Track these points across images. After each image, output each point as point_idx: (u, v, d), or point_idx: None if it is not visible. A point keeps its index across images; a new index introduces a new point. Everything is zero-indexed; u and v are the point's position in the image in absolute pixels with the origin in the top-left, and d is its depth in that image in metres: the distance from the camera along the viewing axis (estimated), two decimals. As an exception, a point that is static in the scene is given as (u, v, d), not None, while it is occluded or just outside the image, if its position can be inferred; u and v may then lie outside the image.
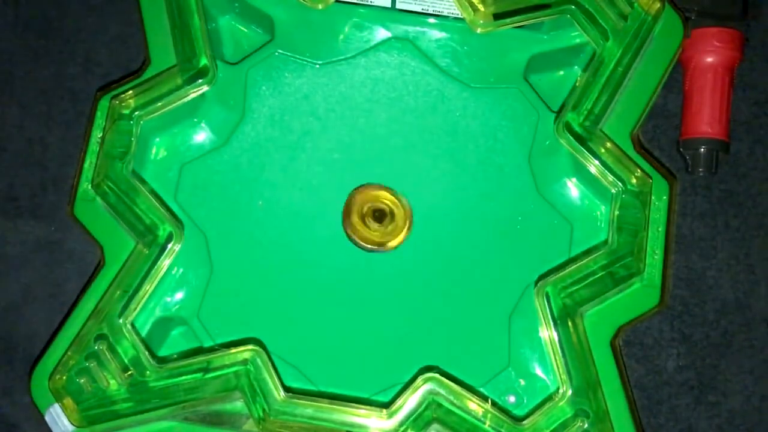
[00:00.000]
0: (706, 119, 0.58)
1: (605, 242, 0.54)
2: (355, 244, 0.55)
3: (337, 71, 0.58)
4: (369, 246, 0.55)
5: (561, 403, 0.51)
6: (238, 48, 0.60)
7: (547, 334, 0.52)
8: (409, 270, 0.55)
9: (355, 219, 0.55)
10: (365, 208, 0.55)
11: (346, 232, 0.55)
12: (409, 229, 0.55)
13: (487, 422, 0.50)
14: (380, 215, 0.55)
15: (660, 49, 0.56)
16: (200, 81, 0.55)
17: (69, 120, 0.61)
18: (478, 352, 0.54)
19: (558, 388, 0.51)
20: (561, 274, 0.52)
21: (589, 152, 0.53)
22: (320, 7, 0.57)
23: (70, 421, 0.51)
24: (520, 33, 0.57)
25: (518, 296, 0.54)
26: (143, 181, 0.55)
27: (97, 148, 0.55)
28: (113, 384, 0.51)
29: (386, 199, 0.55)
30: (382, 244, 0.55)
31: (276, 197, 0.56)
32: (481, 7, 0.55)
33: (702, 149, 0.58)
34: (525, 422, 0.50)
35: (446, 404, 0.50)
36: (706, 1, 0.58)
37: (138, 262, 0.53)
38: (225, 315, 0.55)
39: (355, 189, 0.56)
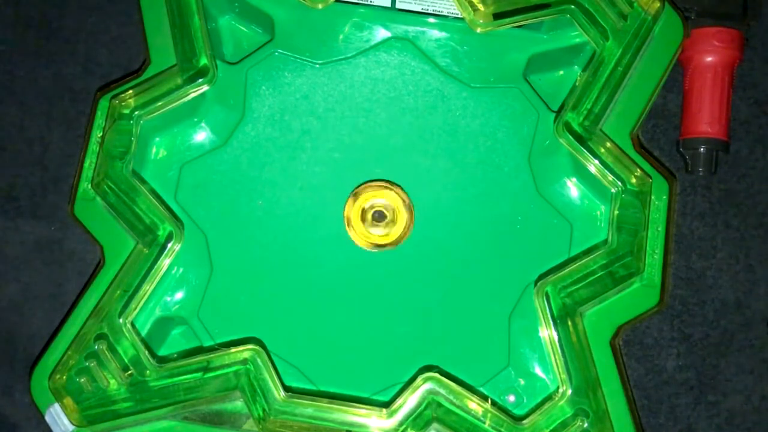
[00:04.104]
0: (705, 119, 0.58)
1: (605, 242, 0.54)
2: (356, 242, 0.55)
3: (337, 71, 0.58)
4: (369, 246, 0.55)
5: (561, 403, 0.51)
6: (238, 48, 0.60)
7: (547, 333, 0.52)
8: (408, 270, 0.55)
9: (356, 218, 0.55)
10: (367, 208, 0.55)
11: (347, 231, 0.55)
12: (410, 229, 0.55)
13: (487, 422, 0.50)
14: (381, 215, 0.55)
15: (660, 48, 0.56)
16: (200, 81, 0.55)
17: (69, 120, 0.61)
18: (478, 351, 0.54)
19: (558, 388, 0.51)
20: (561, 273, 0.52)
21: (588, 152, 0.53)
22: (320, 6, 0.57)
23: (70, 421, 0.51)
24: (519, 33, 0.57)
25: (518, 296, 0.54)
26: (143, 181, 0.55)
27: (97, 148, 0.55)
28: (113, 383, 0.51)
29: (389, 198, 0.55)
30: (382, 245, 0.55)
31: (276, 197, 0.56)
32: (480, 6, 0.55)
33: (702, 149, 0.58)
34: (525, 422, 0.50)
35: (446, 404, 0.50)
36: (706, 1, 0.58)
37: (138, 262, 0.53)
38: (225, 315, 0.55)
39: (358, 187, 0.56)
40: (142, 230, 0.53)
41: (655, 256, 0.53)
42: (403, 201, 0.55)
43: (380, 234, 0.55)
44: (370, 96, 0.57)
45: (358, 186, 0.56)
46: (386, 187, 0.55)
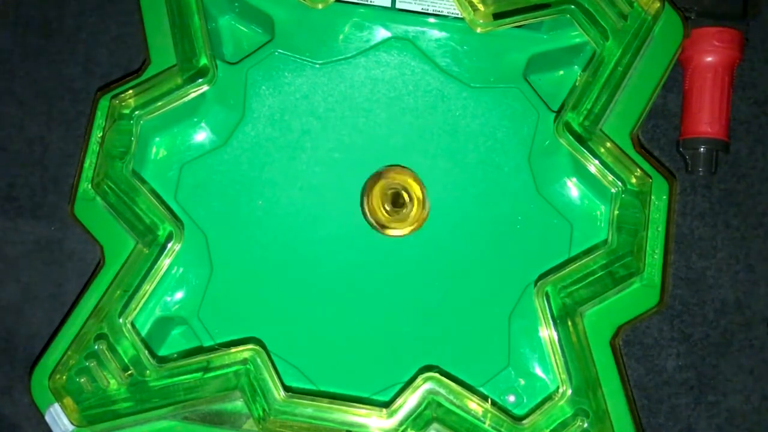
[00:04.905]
0: (706, 119, 0.58)
1: (605, 242, 0.54)
2: (367, 221, 0.55)
3: (337, 71, 0.58)
4: (378, 226, 0.55)
5: (561, 403, 0.51)
6: (238, 48, 0.60)
7: (547, 333, 0.52)
8: (408, 270, 0.55)
9: (375, 198, 0.54)
10: (387, 190, 0.55)
11: (362, 207, 0.55)
12: (424, 218, 0.55)
13: (487, 422, 0.50)
14: (399, 200, 0.55)
15: (660, 48, 0.56)
16: (200, 81, 0.55)
17: (69, 120, 0.61)
18: (478, 351, 0.54)
19: (558, 388, 0.51)
20: (561, 273, 0.52)
21: (588, 152, 0.53)
22: (320, 6, 0.57)
23: (70, 421, 0.51)
24: (519, 33, 0.57)
25: (518, 296, 0.54)
26: (143, 181, 0.55)
27: (97, 148, 0.55)
28: (113, 383, 0.51)
29: (409, 186, 0.55)
30: (391, 227, 0.55)
31: (276, 197, 0.56)
32: (480, 6, 0.55)
33: (702, 149, 0.58)
34: (525, 422, 0.50)
35: (446, 404, 0.50)
36: (706, 1, 0.58)
37: (138, 262, 0.53)
38: (225, 315, 0.55)
39: (380, 170, 0.56)
40: (142, 230, 0.53)
41: (655, 256, 0.53)
42: (422, 192, 0.55)
43: (394, 217, 0.55)
44: (370, 96, 0.57)
45: (380, 169, 0.55)
46: (411, 175, 0.55)
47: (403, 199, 0.55)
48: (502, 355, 0.54)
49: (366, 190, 0.55)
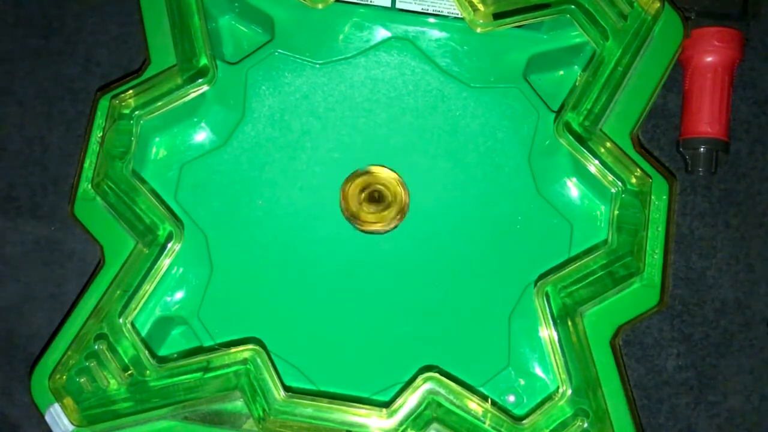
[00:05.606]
0: (706, 119, 0.58)
1: (605, 242, 0.54)
2: (350, 222, 0.55)
3: (337, 71, 0.58)
4: (362, 225, 0.55)
5: (561, 403, 0.51)
6: (238, 48, 0.60)
7: (547, 333, 0.52)
8: (408, 270, 0.55)
9: (352, 200, 0.55)
10: (362, 190, 0.55)
11: (341, 209, 0.55)
12: (404, 211, 0.55)
13: (487, 422, 0.50)
14: (377, 196, 0.55)
15: (660, 48, 0.56)
16: (200, 81, 0.55)
17: (69, 120, 0.61)
18: (478, 351, 0.54)
19: (558, 388, 0.51)
20: (561, 273, 0.52)
21: (588, 152, 0.53)
22: (320, 6, 0.57)
23: (70, 421, 0.51)
24: (519, 33, 0.57)
25: (518, 296, 0.54)
26: (143, 181, 0.55)
27: (97, 148, 0.55)
28: (113, 384, 0.51)
29: (383, 180, 0.55)
30: (373, 223, 0.55)
31: (276, 197, 0.56)
32: (480, 6, 0.55)
33: (702, 149, 0.58)
34: (525, 422, 0.50)
35: (446, 404, 0.50)
36: (706, 0, 0.58)
37: (138, 262, 0.53)
38: (225, 315, 0.55)
39: (354, 172, 0.56)
40: (142, 230, 0.53)
41: (655, 256, 0.53)
42: (401, 187, 0.55)
43: (373, 214, 0.55)
44: (370, 96, 0.57)
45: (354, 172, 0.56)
46: (382, 171, 0.55)
47: (377, 194, 0.55)
48: (502, 355, 0.54)
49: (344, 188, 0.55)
